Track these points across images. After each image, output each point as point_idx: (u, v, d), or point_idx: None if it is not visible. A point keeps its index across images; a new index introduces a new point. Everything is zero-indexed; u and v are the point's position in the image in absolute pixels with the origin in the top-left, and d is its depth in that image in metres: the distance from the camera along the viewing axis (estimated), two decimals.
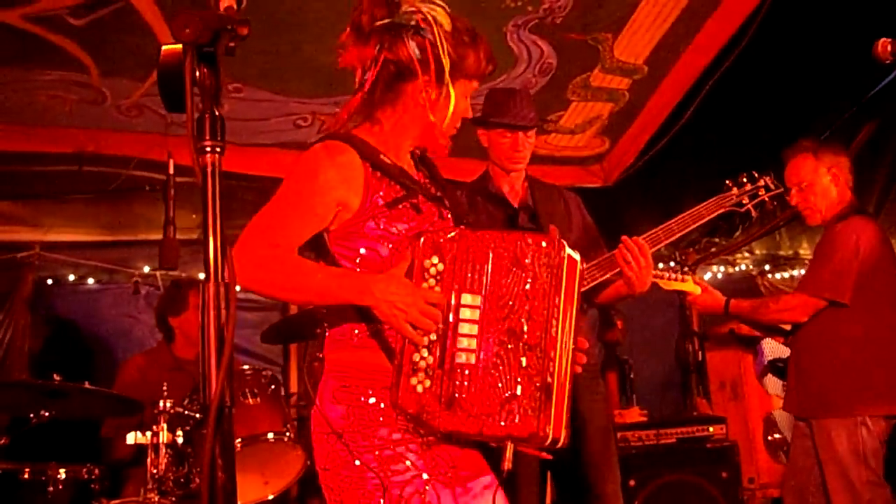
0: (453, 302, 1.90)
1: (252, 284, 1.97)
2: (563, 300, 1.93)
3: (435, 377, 1.89)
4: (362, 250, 2.07)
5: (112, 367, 5.19)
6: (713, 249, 7.17)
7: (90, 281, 5.94)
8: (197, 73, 1.37)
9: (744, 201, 3.42)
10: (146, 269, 5.88)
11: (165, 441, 3.54)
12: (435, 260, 1.92)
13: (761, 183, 3.45)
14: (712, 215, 3.39)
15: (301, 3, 4.26)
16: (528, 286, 1.89)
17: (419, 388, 1.89)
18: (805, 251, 7.74)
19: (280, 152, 5.28)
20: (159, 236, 3.23)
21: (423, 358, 1.90)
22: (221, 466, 1.34)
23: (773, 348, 5.38)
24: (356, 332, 2.05)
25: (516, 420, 1.84)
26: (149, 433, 3.55)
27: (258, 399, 3.92)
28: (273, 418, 3.92)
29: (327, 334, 2.12)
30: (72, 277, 5.89)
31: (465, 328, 1.89)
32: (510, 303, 1.89)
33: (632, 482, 4.68)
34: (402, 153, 2.19)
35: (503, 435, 1.86)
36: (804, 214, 3.94)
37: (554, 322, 1.90)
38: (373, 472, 1.96)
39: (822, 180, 3.82)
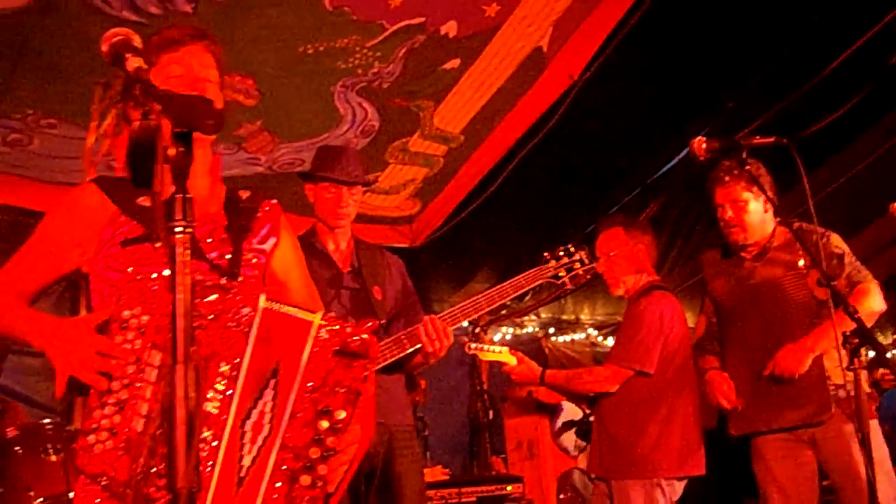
0: (145, 358, 1.66)
1: None
2: (247, 367, 1.70)
3: (120, 438, 1.64)
4: (96, 292, 1.93)
5: None
6: (504, 312, 7.48)
7: None
8: None
9: (560, 274, 3.60)
10: None
11: None
12: (138, 311, 1.67)
13: (577, 257, 3.61)
14: (531, 286, 3.55)
15: None
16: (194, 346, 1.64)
17: (97, 448, 1.63)
18: (586, 316, 8.24)
19: None
20: None
21: (105, 416, 1.64)
22: None
23: (569, 410, 5.66)
24: None
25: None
26: None
27: (62, 455, 3.73)
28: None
29: None
30: None
31: (143, 390, 1.65)
32: None
33: None
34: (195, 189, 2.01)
35: None
36: (608, 283, 4.18)
37: (215, 396, 1.67)
38: None
39: (629, 253, 4.09)
